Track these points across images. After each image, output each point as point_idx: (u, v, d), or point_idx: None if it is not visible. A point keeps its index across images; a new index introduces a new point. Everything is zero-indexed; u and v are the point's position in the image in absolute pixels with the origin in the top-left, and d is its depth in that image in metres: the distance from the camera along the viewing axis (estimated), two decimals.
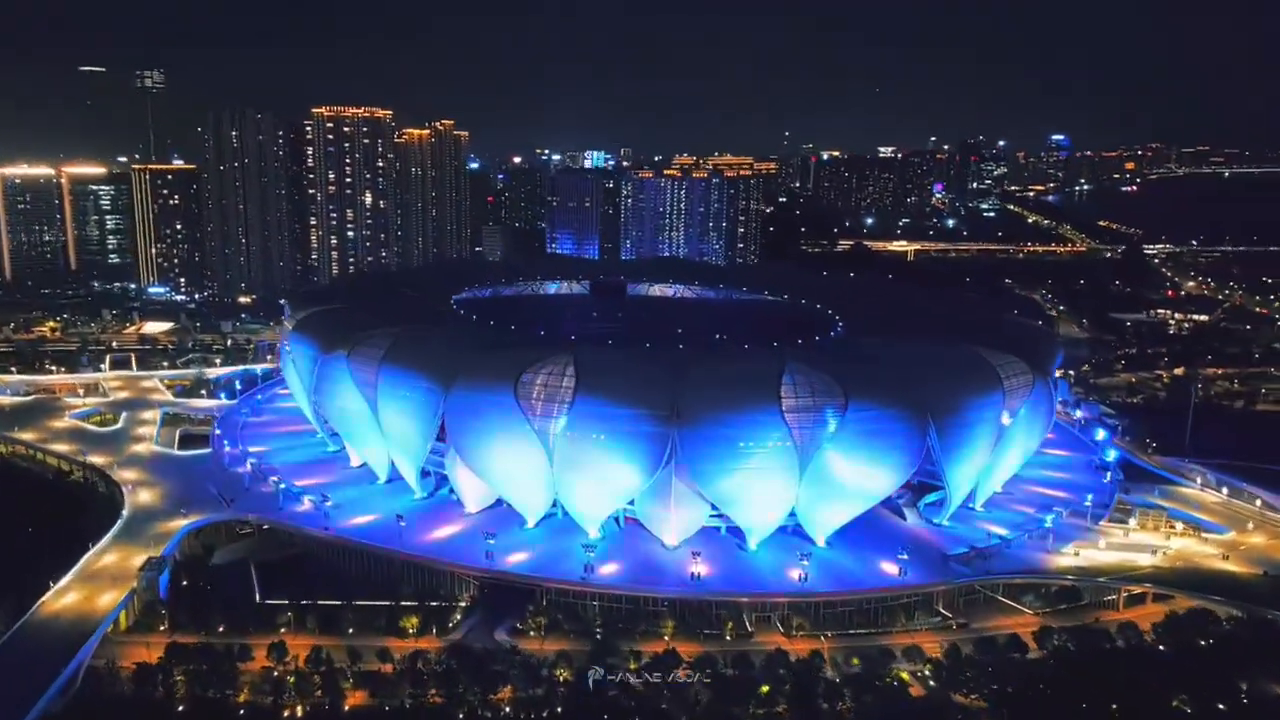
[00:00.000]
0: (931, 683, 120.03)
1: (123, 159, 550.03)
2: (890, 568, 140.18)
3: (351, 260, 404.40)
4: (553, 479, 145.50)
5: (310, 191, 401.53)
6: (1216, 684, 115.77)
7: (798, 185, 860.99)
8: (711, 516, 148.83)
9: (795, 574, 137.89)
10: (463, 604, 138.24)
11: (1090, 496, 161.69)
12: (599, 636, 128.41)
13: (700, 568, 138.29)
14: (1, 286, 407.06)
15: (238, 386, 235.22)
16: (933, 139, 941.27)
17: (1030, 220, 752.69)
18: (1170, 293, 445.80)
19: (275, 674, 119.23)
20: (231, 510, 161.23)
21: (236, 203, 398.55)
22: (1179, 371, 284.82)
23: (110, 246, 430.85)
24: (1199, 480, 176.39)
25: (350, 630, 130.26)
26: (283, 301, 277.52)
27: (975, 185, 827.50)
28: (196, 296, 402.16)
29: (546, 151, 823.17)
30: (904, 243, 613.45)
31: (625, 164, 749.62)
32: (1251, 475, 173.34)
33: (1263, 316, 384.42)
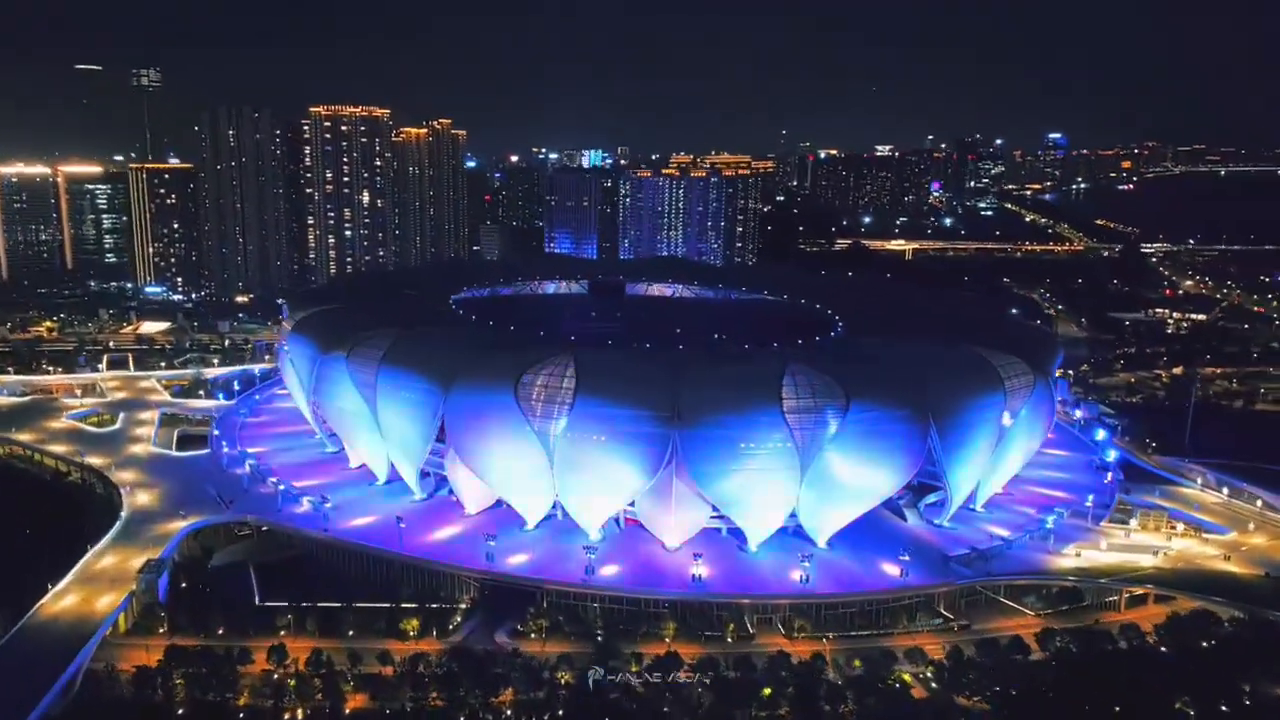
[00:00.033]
0: (934, 684, 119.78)
1: (119, 158, 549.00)
2: (891, 569, 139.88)
3: (349, 260, 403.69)
4: (553, 480, 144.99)
5: (308, 191, 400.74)
6: (1219, 686, 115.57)
7: (795, 184, 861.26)
8: (712, 518, 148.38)
9: (796, 575, 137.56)
10: (463, 606, 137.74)
11: (1091, 497, 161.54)
12: (600, 639, 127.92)
13: (701, 569, 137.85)
14: None
15: (236, 387, 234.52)
16: (930, 138, 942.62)
17: (1028, 219, 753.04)
18: (1168, 292, 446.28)
19: (275, 677, 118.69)
20: (230, 512, 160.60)
21: (234, 202, 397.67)
22: (1178, 371, 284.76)
23: (107, 246, 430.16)
24: (1199, 480, 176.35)
25: (350, 633, 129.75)
26: (280, 301, 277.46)
27: (972, 184, 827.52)
28: (194, 296, 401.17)
29: (543, 150, 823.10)
30: (902, 242, 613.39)
31: (623, 162, 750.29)
32: (1251, 475, 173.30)
33: (1260, 315, 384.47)
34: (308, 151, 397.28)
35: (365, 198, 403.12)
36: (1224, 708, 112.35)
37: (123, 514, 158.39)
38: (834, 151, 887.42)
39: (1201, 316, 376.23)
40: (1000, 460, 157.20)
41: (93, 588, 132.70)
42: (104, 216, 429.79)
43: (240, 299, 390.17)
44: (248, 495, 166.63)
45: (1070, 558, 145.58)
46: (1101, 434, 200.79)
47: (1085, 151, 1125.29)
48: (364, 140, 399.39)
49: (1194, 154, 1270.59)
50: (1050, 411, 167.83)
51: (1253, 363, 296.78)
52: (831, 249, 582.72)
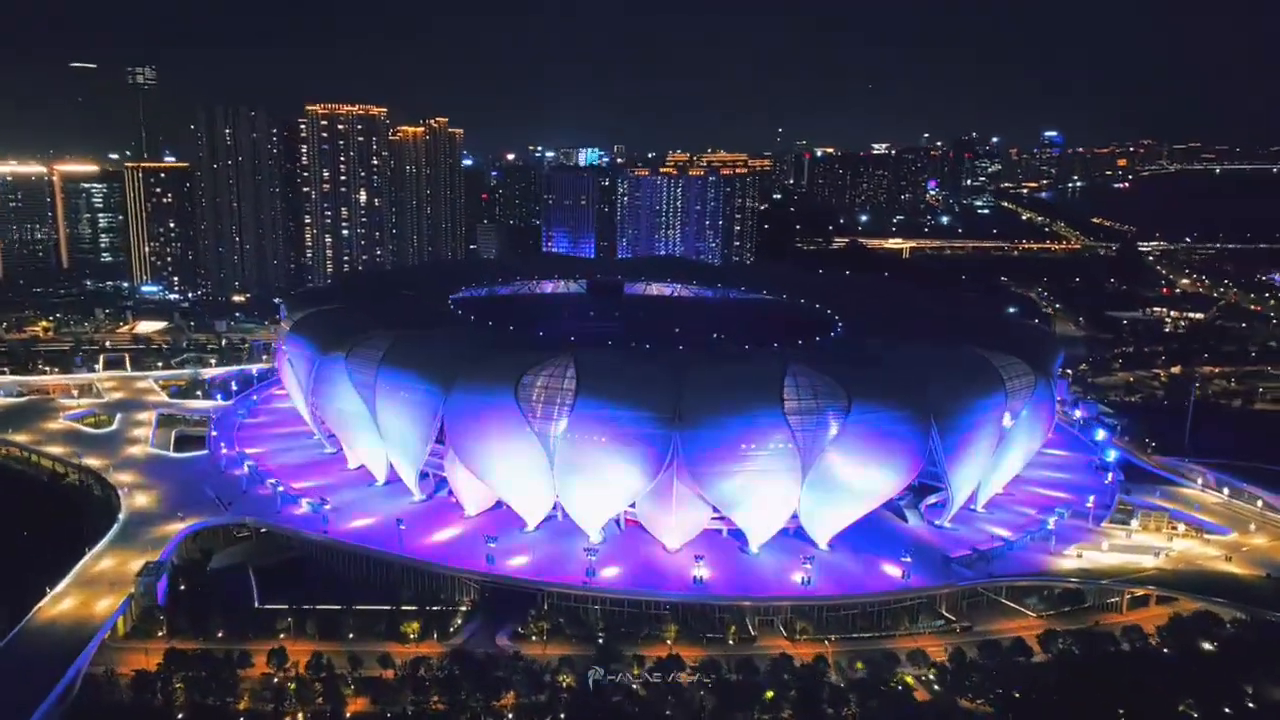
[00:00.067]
0: (936, 687, 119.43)
1: (114, 156, 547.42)
2: (893, 570, 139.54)
3: (346, 259, 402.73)
4: (553, 482, 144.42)
5: (304, 190, 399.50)
6: (1222, 688, 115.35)
7: (792, 182, 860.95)
8: (713, 519, 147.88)
9: (798, 577, 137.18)
10: (463, 608, 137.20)
11: (1092, 498, 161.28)
12: (601, 641, 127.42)
13: (703, 571, 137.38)
14: None
15: (233, 387, 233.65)
16: (926, 136, 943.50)
17: (1024, 217, 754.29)
18: (1165, 290, 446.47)
19: (276, 680, 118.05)
20: (229, 514, 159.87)
21: (230, 201, 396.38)
22: (1176, 370, 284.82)
23: (103, 245, 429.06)
24: (1199, 481, 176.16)
25: (350, 635, 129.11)
26: (277, 300, 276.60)
27: (969, 182, 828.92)
28: (190, 295, 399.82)
29: (540, 148, 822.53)
30: (899, 240, 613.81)
31: (619, 161, 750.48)
32: (1251, 475, 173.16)
33: (1257, 314, 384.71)
34: (304, 150, 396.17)
35: (362, 197, 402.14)
36: (1227, 710, 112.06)
37: (121, 516, 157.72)
38: (831, 150, 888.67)
39: (1199, 315, 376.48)
40: (1001, 461, 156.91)
41: (91, 591, 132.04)
42: (100, 215, 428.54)
43: (237, 298, 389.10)
44: (246, 497, 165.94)
45: (1072, 559, 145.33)
46: (1101, 434, 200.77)
47: (1081, 149, 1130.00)
48: (361, 139, 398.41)
49: (1189, 152, 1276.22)
50: (1051, 412, 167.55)
51: (1251, 362, 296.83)
52: (829, 247, 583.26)
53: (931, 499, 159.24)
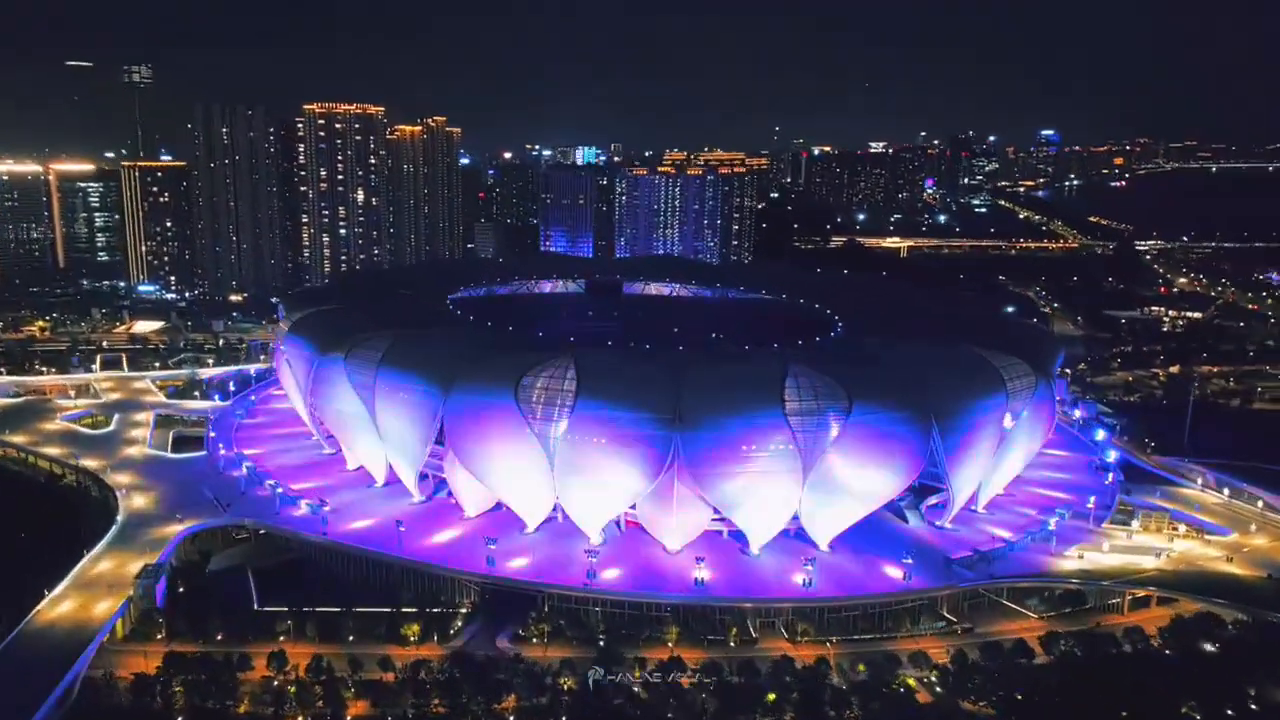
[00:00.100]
0: (938, 689, 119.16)
1: (110, 154, 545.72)
2: (894, 571, 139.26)
3: (344, 258, 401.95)
4: (553, 483, 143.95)
5: (302, 189, 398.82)
6: (1224, 690, 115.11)
7: (789, 181, 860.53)
8: (714, 520, 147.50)
9: (799, 578, 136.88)
10: (464, 610, 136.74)
11: (1093, 498, 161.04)
12: (602, 643, 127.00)
13: (704, 573, 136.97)
14: None
15: (231, 387, 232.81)
16: (923, 134, 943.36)
17: (1021, 216, 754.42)
18: (1163, 289, 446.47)
19: (275, 684, 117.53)
20: (228, 515, 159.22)
21: (227, 200, 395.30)
22: (1174, 369, 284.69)
23: (99, 244, 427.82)
24: (1199, 481, 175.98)
25: (350, 638, 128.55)
26: (275, 300, 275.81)
27: (966, 181, 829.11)
28: (187, 295, 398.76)
29: (537, 147, 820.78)
30: (897, 239, 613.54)
31: (616, 159, 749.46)
32: (1250, 475, 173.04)
33: (1255, 313, 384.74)
34: (302, 149, 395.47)
35: (360, 196, 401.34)
36: (1229, 712, 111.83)
37: (119, 517, 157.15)
38: (828, 148, 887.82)
39: (1197, 314, 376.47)
40: (1002, 462, 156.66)
41: (89, 593, 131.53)
42: (96, 215, 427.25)
43: (234, 298, 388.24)
44: (245, 498, 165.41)
45: (1073, 560, 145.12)
46: (1101, 434, 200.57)
47: (1077, 148, 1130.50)
48: (358, 138, 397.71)
49: (1185, 150, 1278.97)
50: (1051, 412, 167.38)
51: (1249, 361, 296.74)
52: (826, 246, 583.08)
53: (932, 500, 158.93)
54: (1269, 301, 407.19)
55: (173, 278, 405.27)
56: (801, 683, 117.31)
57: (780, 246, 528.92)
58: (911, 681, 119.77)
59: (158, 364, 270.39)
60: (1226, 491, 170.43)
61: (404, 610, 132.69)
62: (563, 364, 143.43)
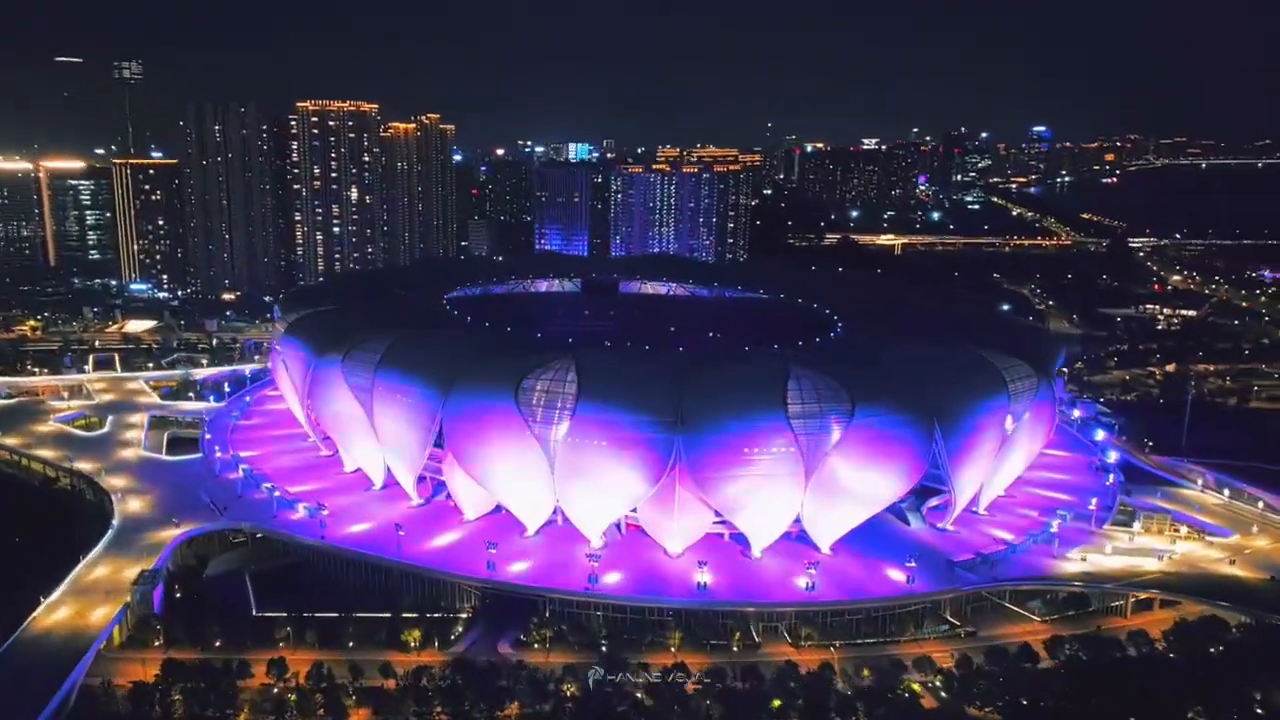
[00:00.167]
0: (943, 694, 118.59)
1: (100, 151, 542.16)
2: (897, 574, 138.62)
3: (337, 256, 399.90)
4: (554, 486, 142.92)
5: (295, 187, 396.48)
6: (1229, 694, 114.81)
7: (782, 177, 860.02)
8: (715, 523, 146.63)
9: (802, 582, 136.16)
10: (464, 615, 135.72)
11: (1094, 500, 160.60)
12: (604, 649, 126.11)
13: (706, 577, 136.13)
14: None
15: (226, 388, 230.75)
16: (915, 130, 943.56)
17: (1015, 213, 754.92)
18: (1157, 287, 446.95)
19: (275, 691, 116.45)
20: (225, 519, 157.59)
21: (220, 198, 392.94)
22: (1171, 368, 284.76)
23: (90, 242, 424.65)
24: (1199, 481, 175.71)
25: (351, 644, 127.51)
26: (269, 299, 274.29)
27: (959, 177, 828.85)
28: (179, 293, 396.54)
29: (529, 143, 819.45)
30: (891, 236, 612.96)
31: (610, 156, 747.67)
32: (1250, 475, 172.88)
33: (1249, 311, 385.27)
34: (295, 147, 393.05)
35: (353, 193, 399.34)
36: (1235, 718, 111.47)
37: (114, 522, 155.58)
38: (820, 145, 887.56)
39: (1191, 312, 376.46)
40: (1004, 463, 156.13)
41: (86, 600, 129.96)
42: (87, 212, 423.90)
43: (227, 296, 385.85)
44: (241, 501, 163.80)
45: (1075, 562, 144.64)
46: (1101, 434, 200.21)
47: (1069, 144, 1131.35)
48: (351, 135, 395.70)
49: (1175, 147, 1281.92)
50: (1052, 413, 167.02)
51: (1244, 360, 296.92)
52: (821, 244, 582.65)
53: (933, 501, 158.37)
54: (1262, 299, 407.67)
55: (165, 276, 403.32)
56: (806, 689, 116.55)
57: (775, 244, 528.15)
58: (916, 687, 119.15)
59: (151, 364, 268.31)
60: (1226, 492, 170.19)
61: (404, 615, 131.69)
62: (563, 366, 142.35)
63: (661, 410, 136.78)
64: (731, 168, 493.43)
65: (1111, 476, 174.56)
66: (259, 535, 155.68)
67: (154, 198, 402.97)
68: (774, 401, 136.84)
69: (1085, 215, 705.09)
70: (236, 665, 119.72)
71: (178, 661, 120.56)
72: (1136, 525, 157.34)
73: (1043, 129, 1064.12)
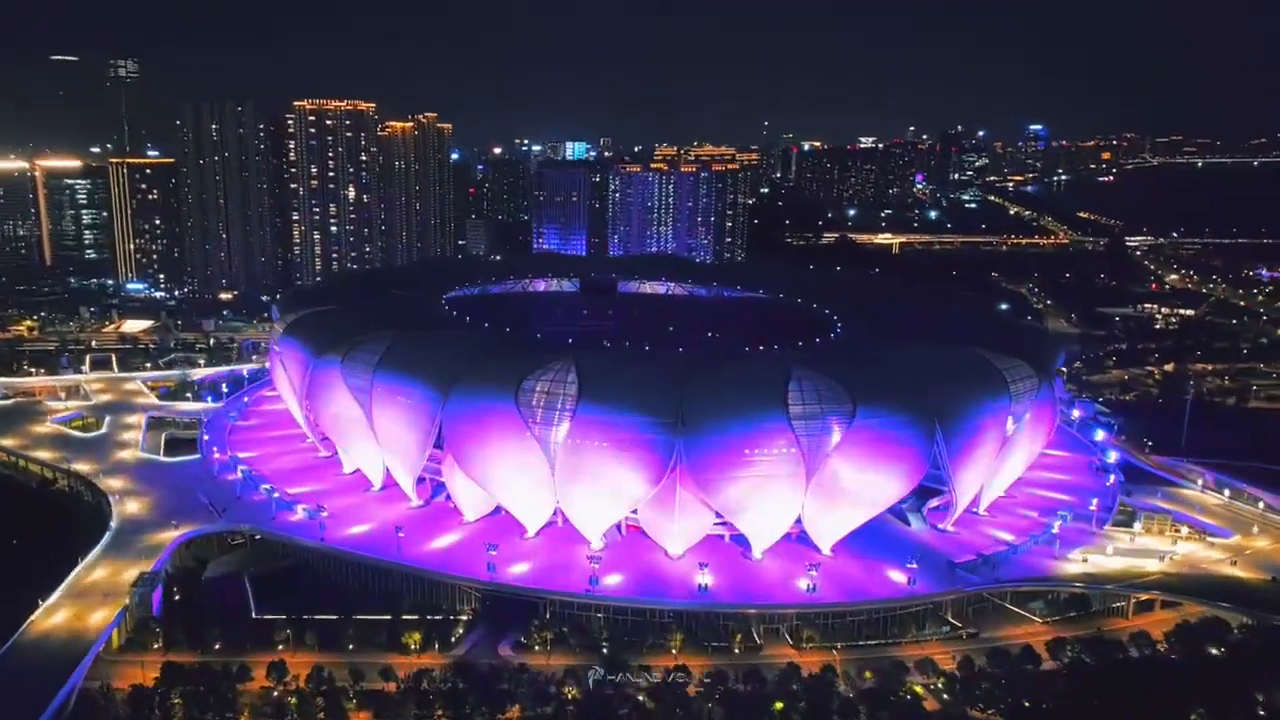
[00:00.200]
0: (945, 697, 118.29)
1: (96, 150, 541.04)
2: (898, 576, 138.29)
3: (335, 256, 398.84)
4: (554, 488, 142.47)
5: (292, 186, 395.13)
6: (1232, 695, 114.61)
7: (779, 176, 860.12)
8: (716, 524, 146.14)
9: (803, 583, 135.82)
10: (464, 617, 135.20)
11: (1095, 500, 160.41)
12: (605, 651, 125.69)
13: (707, 579, 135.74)
14: None
15: (224, 389, 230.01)
16: (912, 129, 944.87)
17: (1012, 212, 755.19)
18: (1154, 286, 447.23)
19: (275, 694, 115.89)
20: (223, 521, 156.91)
21: (217, 197, 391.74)
22: (1169, 368, 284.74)
23: (87, 242, 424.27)
24: (1199, 482, 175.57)
25: (350, 646, 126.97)
26: (266, 298, 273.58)
27: (956, 176, 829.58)
28: (176, 293, 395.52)
29: (526, 142, 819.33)
30: (888, 235, 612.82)
31: (607, 154, 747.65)
32: (1249, 475, 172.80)
33: (1247, 310, 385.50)
34: (292, 146, 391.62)
35: (351, 193, 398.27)
36: None
37: (112, 524, 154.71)
38: (817, 144, 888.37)
39: (1189, 311, 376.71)
40: (1005, 464, 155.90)
41: (84, 602, 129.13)
42: (83, 212, 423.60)
43: (224, 296, 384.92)
44: (240, 503, 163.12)
45: (1076, 563, 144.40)
46: (1101, 434, 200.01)
47: (1065, 143, 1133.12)
48: (349, 134, 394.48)
49: (1171, 145, 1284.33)
50: (1053, 414, 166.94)
51: (1243, 359, 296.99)
52: (818, 243, 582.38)
53: (934, 502, 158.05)
54: (1260, 298, 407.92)
55: (162, 276, 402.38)
56: (809, 691, 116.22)
57: (772, 243, 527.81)
58: (919, 689, 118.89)
59: (148, 364, 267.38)
60: (1227, 492, 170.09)
61: (404, 617, 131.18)
62: (564, 367, 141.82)
63: (662, 411, 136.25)
64: (730, 166, 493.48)
65: (1112, 477, 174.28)
66: (258, 537, 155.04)
67: (151, 197, 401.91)
68: (775, 403, 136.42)
69: (1082, 214, 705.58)
70: (236, 668, 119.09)
71: (177, 665, 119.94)
72: (1137, 526, 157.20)
73: (1039, 127, 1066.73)
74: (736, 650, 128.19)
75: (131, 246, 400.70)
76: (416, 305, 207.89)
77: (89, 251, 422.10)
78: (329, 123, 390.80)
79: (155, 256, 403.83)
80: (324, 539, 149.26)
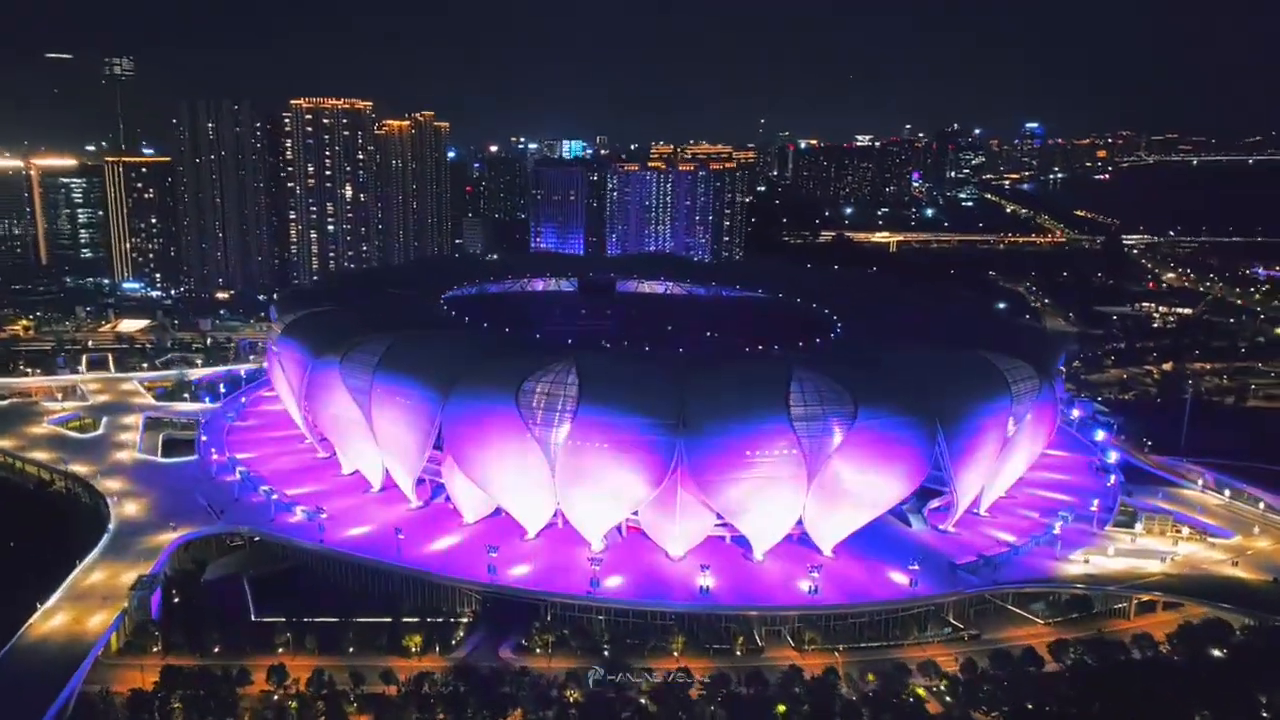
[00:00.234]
0: (948, 699, 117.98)
1: (91, 148, 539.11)
2: (900, 577, 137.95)
3: (332, 255, 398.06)
4: (554, 490, 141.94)
5: (289, 185, 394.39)
6: (1234, 697, 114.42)
7: (775, 174, 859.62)
8: (716, 525, 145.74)
9: (805, 585, 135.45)
10: (465, 620, 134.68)
11: (1096, 501, 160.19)
12: (607, 653, 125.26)
13: (708, 580, 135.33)
14: None
15: (222, 389, 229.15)
16: (909, 127, 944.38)
17: (1009, 210, 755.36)
18: (1151, 285, 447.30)
19: (276, 698, 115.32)
20: (222, 523, 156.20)
21: (213, 196, 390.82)
22: (1168, 367, 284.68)
23: (82, 241, 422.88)
24: (1199, 482, 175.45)
25: (351, 649, 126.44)
26: (263, 297, 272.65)
27: (953, 174, 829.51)
28: (173, 292, 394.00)
29: (523, 140, 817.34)
30: (886, 234, 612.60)
31: (603, 152, 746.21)
32: (1249, 475, 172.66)
33: (1244, 309, 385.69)
34: (289, 145, 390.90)
35: (348, 191, 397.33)
36: None
37: (110, 526, 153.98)
38: (814, 142, 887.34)
39: (1187, 310, 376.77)
40: (1006, 464, 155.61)
41: (83, 605, 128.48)
42: (79, 211, 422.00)
43: (221, 295, 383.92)
44: (239, 504, 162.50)
45: (1078, 564, 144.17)
46: (1101, 434, 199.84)
47: (1061, 141, 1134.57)
48: (346, 133, 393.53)
49: (1167, 143, 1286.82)
50: (1054, 414, 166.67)
51: (1241, 358, 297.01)
52: (815, 241, 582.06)
53: (935, 503, 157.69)
54: (1257, 296, 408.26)
55: (158, 275, 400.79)
56: (811, 694, 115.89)
57: (770, 241, 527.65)
58: (921, 691, 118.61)
59: (145, 364, 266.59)
60: (1227, 493, 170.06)
61: (405, 620, 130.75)
62: (564, 368, 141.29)
63: (663, 413, 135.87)
64: (727, 165, 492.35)
65: (1113, 477, 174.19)
66: (257, 539, 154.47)
67: (147, 196, 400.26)
68: (776, 404, 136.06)
69: (1079, 212, 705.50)
70: (236, 672, 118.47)
71: (176, 668, 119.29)
72: (1138, 526, 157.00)
73: (1035, 125, 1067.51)
74: (738, 652, 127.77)
75: (127, 245, 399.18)
76: (415, 305, 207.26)
77: (85, 251, 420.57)
78: (326, 121, 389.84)
79: (151, 256, 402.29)
80: (323, 541, 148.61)
